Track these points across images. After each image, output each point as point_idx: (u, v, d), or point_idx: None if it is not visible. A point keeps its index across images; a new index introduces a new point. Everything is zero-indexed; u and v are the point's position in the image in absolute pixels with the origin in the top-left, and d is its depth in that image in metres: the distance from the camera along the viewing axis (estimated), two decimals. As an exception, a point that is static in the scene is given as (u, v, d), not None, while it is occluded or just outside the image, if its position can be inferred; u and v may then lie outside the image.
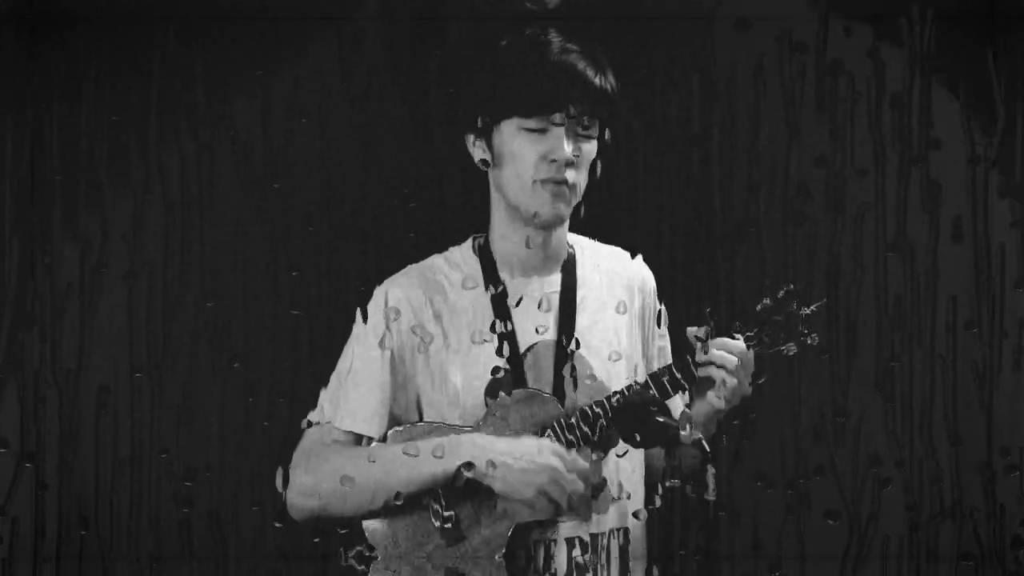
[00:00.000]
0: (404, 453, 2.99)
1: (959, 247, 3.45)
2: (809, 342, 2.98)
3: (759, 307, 3.00)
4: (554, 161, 3.02)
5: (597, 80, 3.04)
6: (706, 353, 2.99)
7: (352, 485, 2.99)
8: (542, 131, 3.03)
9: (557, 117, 3.02)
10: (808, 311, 2.99)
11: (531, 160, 3.03)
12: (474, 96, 3.08)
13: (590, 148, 3.06)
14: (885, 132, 3.45)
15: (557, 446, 2.99)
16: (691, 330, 3.01)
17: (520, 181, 3.04)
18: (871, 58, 3.45)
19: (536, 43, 3.05)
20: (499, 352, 3.04)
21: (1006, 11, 3.45)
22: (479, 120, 3.07)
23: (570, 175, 3.03)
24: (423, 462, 2.98)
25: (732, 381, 2.98)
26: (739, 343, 3.00)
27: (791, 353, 2.99)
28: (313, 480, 3.01)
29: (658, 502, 3.12)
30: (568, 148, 3.02)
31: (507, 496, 2.97)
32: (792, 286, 3.00)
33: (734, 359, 2.99)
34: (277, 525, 3.24)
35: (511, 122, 3.04)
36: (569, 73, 3.03)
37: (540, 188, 3.04)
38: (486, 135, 3.07)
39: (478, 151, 3.09)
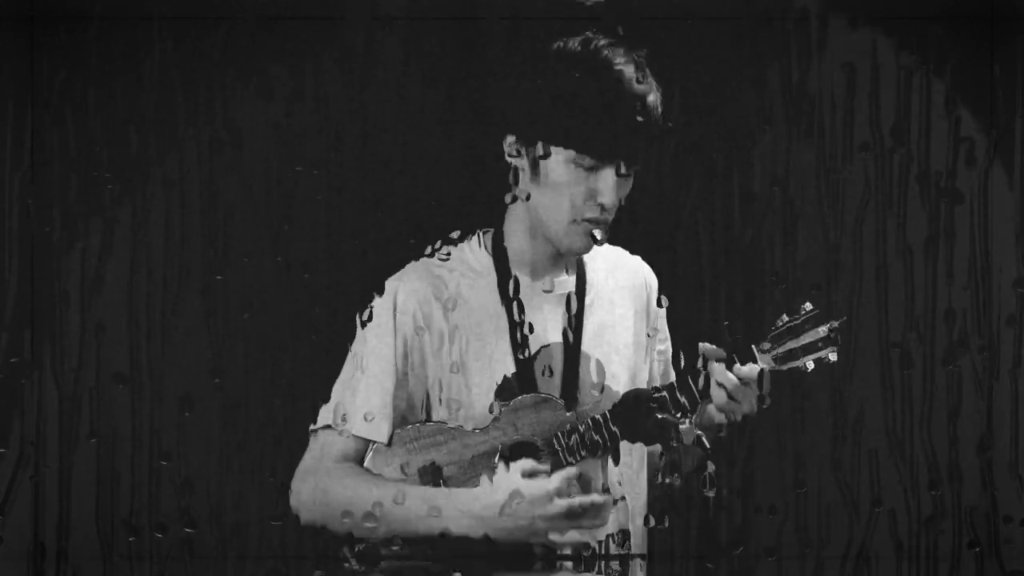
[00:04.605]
0: (394, 502, 2.97)
1: (957, 246, 3.45)
2: (827, 360, 2.97)
3: (778, 324, 2.99)
4: (600, 204, 2.96)
5: (656, 118, 2.97)
6: (707, 369, 2.96)
7: (352, 518, 2.98)
8: (592, 168, 2.97)
9: (615, 162, 2.94)
10: (827, 329, 2.97)
11: (575, 197, 2.97)
12: (528, 112, 2.99)
13: (630, 185, 3.00)
14: (885, 133, 3.45)
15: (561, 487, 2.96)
16: (704, 347, 2.98)
17: (558, 214, 2.98)
18: (870, 58, 3.45)
19: (605, 67, 2.95)
20: (519, 349, 3.01)
21: (1006, 11, 3.45)
22: (530, 130, 2.97)
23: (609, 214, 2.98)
24: (416, 517, 2.97)
25: (732, 404, 2.95)
26: (745, 367, 2.96)
27: (809, 370, 2.97)
28: (319, 497, 2.99)
29: (652, 521, 3.10)
30: (616, 193, 2.96)
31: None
32: (812, 306, 2.99)
33: (734, 379, 2.96)
34: (274, 523, 3.26)
35: (561, 151, 2.97)
36: (636, 114, 2.93)
37: (576, 226, 3.00)
38: (529, 143, 3.00)
39: (512, 152, 3.03)
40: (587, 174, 2.96)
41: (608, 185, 2.95)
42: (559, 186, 2.97)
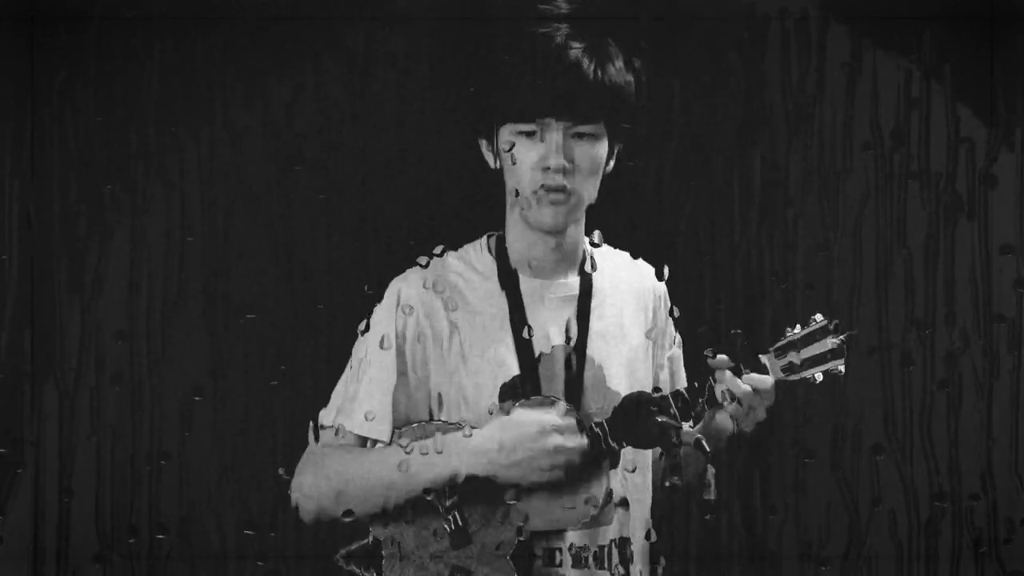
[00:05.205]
0: (399, 446, 2.96)
1: (958, 247, 3.45)
2: (836, 371, 2.97)
3: (787, 334, 2.98)
4: (548, 168, 2.99)
5: (597, 78, 2.97)
6: (717, 380, 2.95)
7: (353, 516, 2.98)
8: (536, 134, 2.99)
9: (547, 120, 2.96)
10: (837, 341, 2.97)
11: (527, 166, 3.00)
12: (476, 100, 3.05)
13: (595, 151, 3.01)
14: (884, 134, 3.45)
15: (554, 419, 2.95)
16: (711, 358, 2.98)
17: (520, 188, 3.01)
18: (870, 58, 3.44)
19: (539, 41, 2.99)
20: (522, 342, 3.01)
21: (1006, 11, 3.45)
22: (482, 123, 3.02)
23: (569, 182, 3.00)
24: (417, 472, 2.95)
25: (743, 412, 2.95)
26: (756, 376, 2.96)
27: (818, 381, 2.97)
28: (317, 484, 3.00)
29: (653, 536, 3.11)
30: (560, 157, 2.97)
31: (516, 483, 2.94)
32: (822, 318, 2.99)
33: (745, 387, 2.95)
34: (248, 532, 3.27)
35: (508, 126, 3.01)
36: (565, 73, 2.96)
37: (537, 197, 2.99)
38: (490, 139, 3.03)
39: (488, 155, 3.05)
40: (532, 140, 2.97)
41: (551, 147, 2.95)
42: (512, 159, 2.98)
